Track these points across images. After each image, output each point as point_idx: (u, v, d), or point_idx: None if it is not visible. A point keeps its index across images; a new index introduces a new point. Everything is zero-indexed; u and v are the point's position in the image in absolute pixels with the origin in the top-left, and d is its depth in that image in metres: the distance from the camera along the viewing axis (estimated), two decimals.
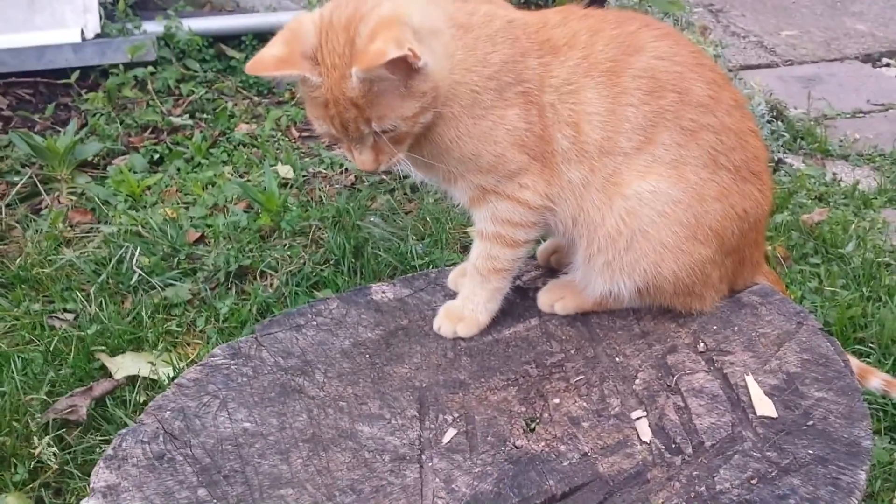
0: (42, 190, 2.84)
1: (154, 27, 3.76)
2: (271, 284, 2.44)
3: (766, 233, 1.63)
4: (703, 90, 1.47)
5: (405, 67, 1.29)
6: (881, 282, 2.57)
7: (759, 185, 1.51)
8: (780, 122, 4.10)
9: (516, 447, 1.29)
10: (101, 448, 1.84)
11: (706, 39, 4.35)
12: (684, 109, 1.44)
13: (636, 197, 1.44)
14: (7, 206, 2.74)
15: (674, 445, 1.27)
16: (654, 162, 1.44)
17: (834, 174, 3.57)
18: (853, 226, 2.93)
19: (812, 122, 4.16)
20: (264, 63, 1.33)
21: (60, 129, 3.21)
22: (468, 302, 1.54)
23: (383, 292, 1.64)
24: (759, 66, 5.09)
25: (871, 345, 2.27)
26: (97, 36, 3.68)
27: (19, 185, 2.82)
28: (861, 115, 4.33)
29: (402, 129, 1.36)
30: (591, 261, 1.50)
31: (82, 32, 3.63)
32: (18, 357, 2.06)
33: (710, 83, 1.48)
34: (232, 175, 3.01)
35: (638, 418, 1.33)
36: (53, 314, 2.29)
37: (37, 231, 2.62)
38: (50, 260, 2.46)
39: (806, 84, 4.64)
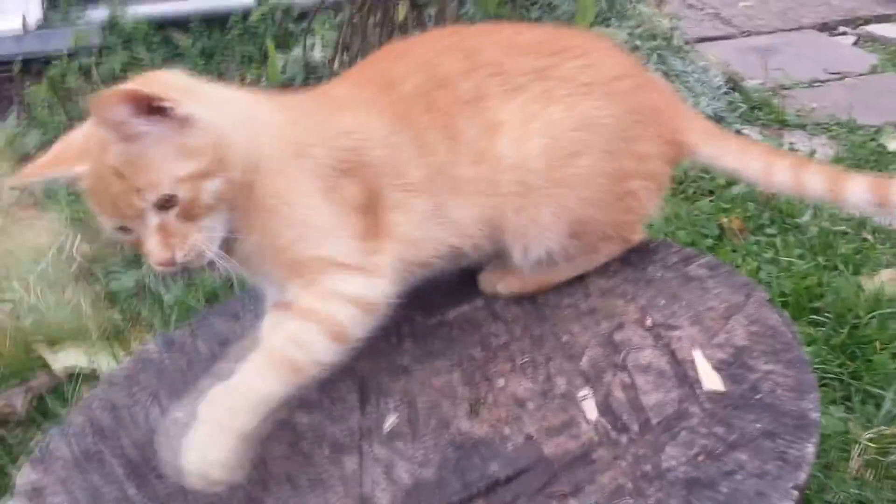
0: None
1: (99, 14, 3.68)
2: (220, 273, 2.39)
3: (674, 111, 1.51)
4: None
5: (167, 119, 1.12)
6: (837, 251, 2.57)
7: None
8: (737, 94, 4.09)
9: (460, 432, 1.25)
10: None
11: (662, 11, 4.33)
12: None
13: (525, 157, 1.37)
14: None
15: (620, 424, 1.24)
16: (527, 120, 1.38)
17: (791, 144, 3.57)
18: None
19: (769, 93, 4.15)
20: (31, 168, 1.18)
21: (2, 122, 3.13)
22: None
23: None
24: (715, 38, 5.08)
25: (826, 314, 2.26)
26: (40, 25, 3.60)
27: None
28: (818, 84, 4.33)
29: (184, 197, 1.13)
30: (517, 240, 1.43)
31: (24, 21, 3.54)
32: None
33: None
34: None
35: (584, 398, 1.29)
36: None
37: None
38: None
39: (763, 55, 4.63)
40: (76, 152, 1.16)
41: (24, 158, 2.93)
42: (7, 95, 3.41)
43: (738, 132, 3.73)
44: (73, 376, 1.97)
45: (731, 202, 2.97)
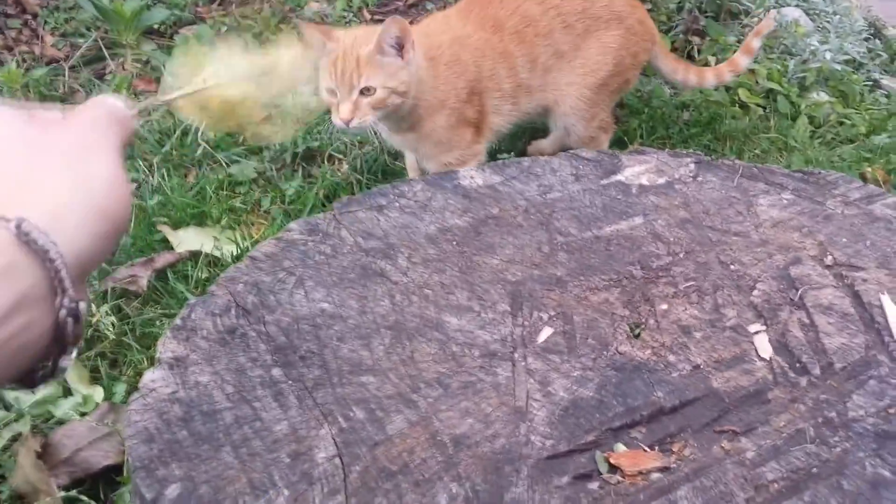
0: (107, 55, 2.72)
1: None
2: (339, 169, 2.32)
3: None
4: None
5: (400, 54, 1.89)
6: None
7: None
8: (877, 41, 3.85)
9: (619, 353, 1.16)
10: (160, 321, 1.75)
11: None
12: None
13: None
14: (71, 68, 2.63)
15: (798, 365, 1.14)
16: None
17: None
18: None
19: None
20: (311, 27, 1.97)
21: None
22: None
23: (472, 178, 1.50)
24: None
25: None
26: None
27: (84, 48, 2.70)
28: None
29: (378, 95, 1.88)
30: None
31: None
32: None
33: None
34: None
35: (757, 332, 1.19)
36: None
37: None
38: None
39: None
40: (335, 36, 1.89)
41: (148, 32, 2.88)
42: None
43: (876, 82, 3.51)
44: (195, 254, 1.92)
45: (871, 152, 2.79)
